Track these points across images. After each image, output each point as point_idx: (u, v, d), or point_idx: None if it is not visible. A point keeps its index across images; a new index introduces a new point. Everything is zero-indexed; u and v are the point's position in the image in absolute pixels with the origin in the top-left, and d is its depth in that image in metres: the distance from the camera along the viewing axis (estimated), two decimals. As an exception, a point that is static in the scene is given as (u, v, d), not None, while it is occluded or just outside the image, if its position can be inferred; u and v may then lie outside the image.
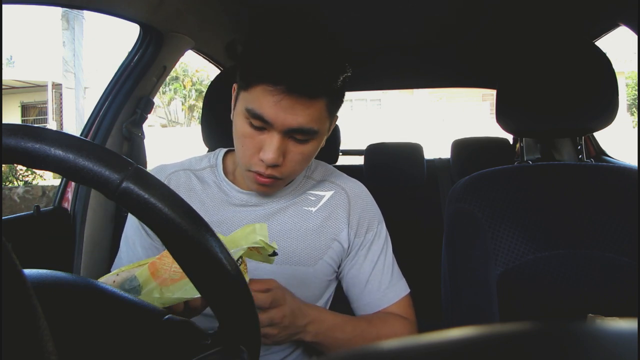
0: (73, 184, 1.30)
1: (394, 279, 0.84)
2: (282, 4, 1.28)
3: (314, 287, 0.81)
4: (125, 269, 0.60)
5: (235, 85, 0.77)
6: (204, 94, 1.21)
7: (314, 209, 0.82)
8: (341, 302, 0.88)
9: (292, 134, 0.70)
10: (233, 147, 0.78)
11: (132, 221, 0.83)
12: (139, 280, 0.59)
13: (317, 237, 0.81)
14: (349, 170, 0.98)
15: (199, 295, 0.53)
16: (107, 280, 0.59)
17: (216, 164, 0.86)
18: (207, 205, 0.81)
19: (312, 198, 0.84)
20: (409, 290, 0.85)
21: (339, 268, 0.85)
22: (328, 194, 0.84)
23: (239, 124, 0.72)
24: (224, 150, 0.89)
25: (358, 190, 0.87)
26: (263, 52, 0.68)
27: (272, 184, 0.74)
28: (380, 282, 0.83)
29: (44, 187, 5.90)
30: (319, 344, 0.75)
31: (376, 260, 0.83)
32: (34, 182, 6.71)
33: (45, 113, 13.17)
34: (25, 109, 14.65)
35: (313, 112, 0.69)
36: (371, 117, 17.57)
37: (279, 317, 0.66)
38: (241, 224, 0.79)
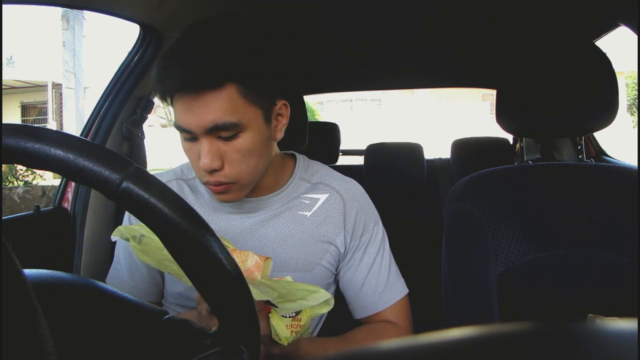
0: (73, 184, 1.30)
1: (391, 282, 0.83)
2: (281, 4, 1.28)
3: None
4: None
5: None
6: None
7: (308, 214, 0.81)
8: (342, 300, 0.87)
9: (215, 133, 0.68)
10: None
11: (121, 242, 0.82)
12: None
13: (314, 242, 0.80)
14: (348, 170, 0.98)
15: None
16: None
17: None
18: (201, 214, 0.80)
19: (307, 202, 0.82)
20: (406, 291, 0.85)
21: (336, 270, 0.84)
22: (323, 198, 0.83)
23: (181, 141, 0.73)
24: None
25: (353, 192, 0.85)
26: (158, 66, 0.67)
27: (226, 189, 0.72)
28: (376, 285, 0.82)
29: (44, 187, 5.90)
30: None
31: (372, 263, 0.82)
32: (34, 182, 6.71)
33: (45, 113, 13.17)
34: (25, 109, 14.64)
35: (221, 103, 0.65)
36: (371, 117, 17.58)
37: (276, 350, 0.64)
38: (235, 232, 0.79)
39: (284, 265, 0.78)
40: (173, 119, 0.71)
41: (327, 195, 0.83)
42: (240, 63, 0.66)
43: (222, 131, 0.67)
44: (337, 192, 0.84)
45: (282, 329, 0.61)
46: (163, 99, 0.69)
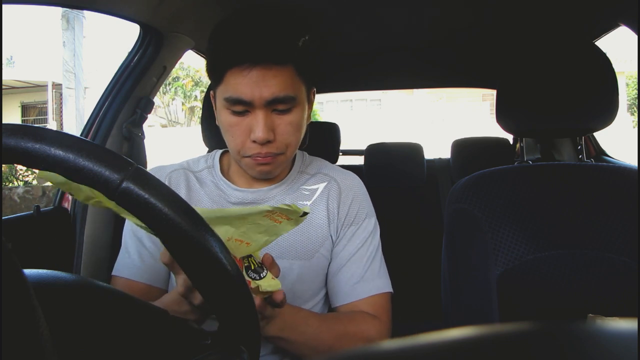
0: (73, 184, 1.29)
1: (369, 275, 0.81)
2: (282, 4, 1.28)
3: (310, 281, 0.82)
4: None
5: (212, 92, 0.80)
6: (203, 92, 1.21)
7: (309, 203, 0.83)
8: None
9: (273, 106, 0.72)
10: None
11: (128, 227, 0.82)
12: None
13: (313, 230, 0.82)
14: (348, 170, 0.98)
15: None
16: None
17: (213, 165, 0.87)
18: (206, 205, 0.82)
19: (307, 192, 0.85)
20: (387, 290, 0.82)
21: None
22: (321, 186, 0.86)
23: (223, 118, 0.76)
24: (220, 151, 0.90)
25: (350, 182, 0.87)
26: (219, 40, 0.72)
27: (272, 161, 0.76)
28: (352, 275, 0.81)
29: (44, 187, 5.89)
30: (284, 340, 0.71)
31: (354, 253, 0.82)
32: (34, 182, 6.71)
33: (45, 113, 13.17)
34: (25, 109, 14.65)
35: (284, 78, 0.71)
36: (371, 117, 17.58)
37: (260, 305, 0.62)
38: None
39: (284, 253, 0.79)
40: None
41: (325, 183, 0.86)
42: (296, 45, 0.73)
43: (279, 104, 0.72)
44: (335, 180, 0.87)
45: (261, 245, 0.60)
46: (218, 72, 0.72)
